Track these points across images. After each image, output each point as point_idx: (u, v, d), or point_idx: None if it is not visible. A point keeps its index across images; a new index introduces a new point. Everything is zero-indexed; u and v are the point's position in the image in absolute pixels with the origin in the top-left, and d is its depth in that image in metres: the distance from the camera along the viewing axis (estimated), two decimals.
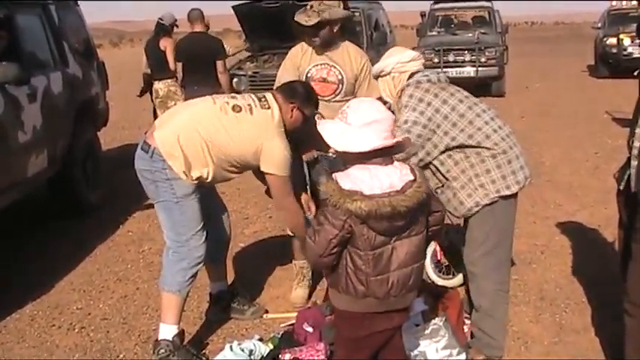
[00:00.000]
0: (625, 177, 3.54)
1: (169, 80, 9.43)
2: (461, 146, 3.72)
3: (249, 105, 4.04)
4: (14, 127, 5.77)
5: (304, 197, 4.61)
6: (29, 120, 6.02)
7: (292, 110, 4.13)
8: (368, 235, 2.81)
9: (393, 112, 3.76)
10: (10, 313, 4.94)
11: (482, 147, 3.71)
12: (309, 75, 4.77)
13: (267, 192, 4.68)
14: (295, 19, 4.71)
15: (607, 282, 4.85)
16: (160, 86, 9.47)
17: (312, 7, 4.66)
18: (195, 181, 3.96)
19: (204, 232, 4.09)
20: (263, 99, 4.11)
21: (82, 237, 6.56)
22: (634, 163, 3.41)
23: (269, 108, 4.06)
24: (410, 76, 3.85)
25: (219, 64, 8.61)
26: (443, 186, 3.81)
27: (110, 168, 8.21)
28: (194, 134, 3.92)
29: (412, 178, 2.85)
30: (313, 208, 4.59)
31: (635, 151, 3.40)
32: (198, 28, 8.91)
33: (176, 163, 3.88)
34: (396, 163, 2.92)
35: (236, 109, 4.00)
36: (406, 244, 2.90)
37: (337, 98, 4.75)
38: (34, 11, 6.90)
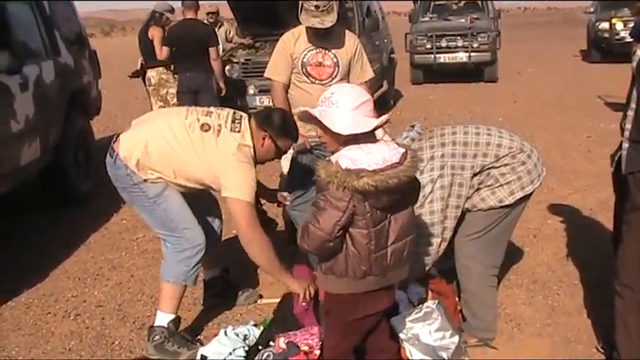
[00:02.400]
0: (616, 159, 3.57)
1: (161, 68, 9.41)
2: (484, 168, 3.73)
3: (219, 125, 3.88)
4: (6, 116, 5.76)
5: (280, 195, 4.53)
6: (21, 109, 6.01)
7: (264, 139, 3.93)
8: (371, 212, 2.85)
9: None
10: (6, 301, 4.96)
11: (501, 156, 3.73)
12: (304, 60, 4.78)
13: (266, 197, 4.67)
14: (307, 24, 4.67)
15: (599, 265, 4.90)
16: (152, 74, 9.48)
17: (318, 7, 4.58)
18: (163, 180, 3.90)
19: (195, 219, 4.05)
20: (237, 121, 3.93)
21: (75, 225, 6.58)
22: (625, 145, 3.44)
23: (239, 132, 3.89)
24: None
25: (211, 50, 8.62)
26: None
27: (103, 157, 8.16)
28: (158, 147, 3.84)
29: (403, 150, 2.90)
30: (288, 196, 4.59)
31: (626, 133, 3.43)
32: (190, 15, 8.90)
33: (136, 171, 3.84)
34: (381, 140, 2.96)
35: (204, 127, 3.85)
36: (400, 217, 2.96)
37: (334, 81, 4.78)
38: (25, 1, 6.87)
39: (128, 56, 11.09)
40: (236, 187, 3.77)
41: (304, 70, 4.83)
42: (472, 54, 15.89)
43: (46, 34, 7.10)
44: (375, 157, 2.82)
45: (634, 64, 3.43)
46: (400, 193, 2.87)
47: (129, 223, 6.63)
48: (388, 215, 2.92)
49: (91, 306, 4.85)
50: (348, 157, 2.82)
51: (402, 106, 13.36)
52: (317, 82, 4.83)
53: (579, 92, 14.06)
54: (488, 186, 3.77)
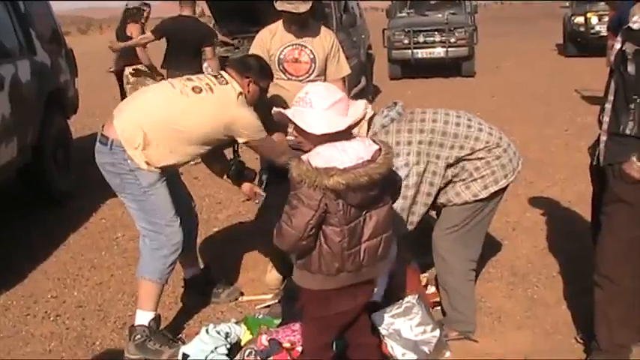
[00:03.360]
0: (596, 152, 3.60)
1: (139, 65, 9.36)
2: (459, 160, 3.75)
3: (207, 84, 4.00)
4: None
5: (247, 186, 4.54)
6: None
7: (248, 85, 4.10)
8: (344, 209, 2.86)
9: None
10: None
11: (477, 149, 3.74)
12: (281, 57, 4.80)
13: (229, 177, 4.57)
14: (280, 8, 4.68)
15: (577, 256, 4.94)
16: (129, 71, 9.41)
17: None
18: (159, 169, 3.92)
19: (178, 217, 4.06)
20: (219, 76, 4.09)
21: (54, 225, 6.53)
22: (603, 138, 3.47)
23: (227, 83, 4.04)
24: (369, 122, 3.83)
25: (208, 50, 8.47)
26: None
27: (81, 156, 8.11)
28: (158, 121, 3.87)
29: (378, 147, 2.91)
30: (259, 190, 4.62)
31: (604, 126, 3.46)
32: (187, 12, 8.77)
33: (137, 154, 3.83)
34: (357, 137, 2.97)
35: (196, 90, 3.95)
36: (375, 214, 2.97)
37: (311, 77, 4.82)
38: None
39: (105, 54, 10.97)
40: (252, 131, 4.04)
41: (281, 66, 4.84)
42: (449, 49, 15.93)
43: (22, 33, 7.02)
44: (349, 155, 2.83)
45: (611, 57, 3.45)
46: (375, 190, 2.88)
47: (108, 222, 6.60)
48: (363, 212, 2.93)
49: (71, 306, 4.82)
50: (321, 156, 2.84)
51: (380, 101, 13.37)
52: (294, 78, 4.85)
53: (556, 86, 14.14)
54: (463, 180, 3.79)
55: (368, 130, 3.81)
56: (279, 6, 4.72)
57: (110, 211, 6.81)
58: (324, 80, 4.87)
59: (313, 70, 4.85)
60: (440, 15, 16.92)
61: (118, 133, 3.87)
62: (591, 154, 3.72)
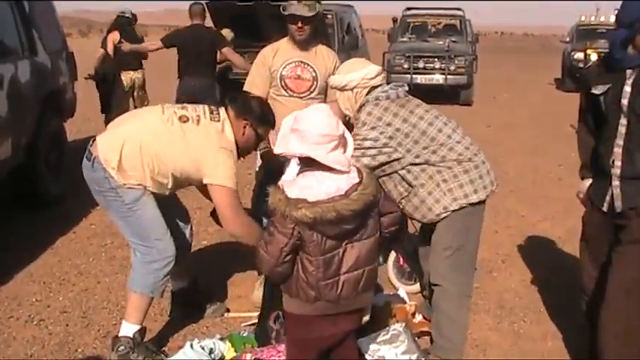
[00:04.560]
0: (607, 198, 3.61)
1: (132, 71, 9.50)
2: (426, 162, 3.76)
3: (197, 116, 3.92)
4: None
5: None
6: None
7: (244, 127, 3.99)
8: (317, 240, 2.89)
9: (351, 126, 3.83)
10: None
11: (448, 159, 3.76)
12: (283, 73, 4.82)
13: (213, 214, 4.28)
14: (290, 11, 4.72)
15: (565, 293, 4.95)
16: (124, 77, 9.61)
17: (300, 1, 4.68)
18: (141, 187, 3.86)
19: (168, 230, 4.02)
20: (215, 112, 3.99)
21: (43, 228, 6.47)
22: (616, 183, 3.51)
23: (218, 121, 3.94)
24: (369, 91, 3.86)
25: (225, 51, 8.53)
26: (409, 194, 3.84)
27: (75, 159, 8.07)
28: (136, 145, 3.80)
29: (357, 181, 2.90)
30: None
31: (616, 171, 3.49)
32: (197, 20, 8.82)
33: (115, 173, 3.79)
34: (345, 170, 2.96)
35: (183, 119, 3.88)
36: (357, 247, 2.98)
37: (312, 95, 4.85)
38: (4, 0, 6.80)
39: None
40: (219, 173, 3.80)
41: (282, 82, 4.85)
42: (449, 76, 16.03)
43: (24, 34, 7.01)
44: (327, 187, 2.85)
45: (624, 100, 3.47)
46: (351, 223, 2.89)
47: (98, 228, 6.56)
48: (343, 244, 2.94)
49: (56, 311, 4.77)
50: (296, 185, 2.89)
51: None
52: (295, 95, 4.86)
53: (552, 120, 14.21)
54: (430, 193, 3.78)
55: (367, 94, 3.82)
56: (286, 11, 4.75)
57: (100, 217, 6.75)
58: (324, 100, 4.88)
59: (315, 88, 4.87)
60: (441, 42, 17.03)
61: (99, 150, 3.85)
62: (593, 200, 3.74)
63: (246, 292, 5.05)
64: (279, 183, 2.96)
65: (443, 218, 3.81)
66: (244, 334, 4.21)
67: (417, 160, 3.74)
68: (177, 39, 8.81)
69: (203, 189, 4.10)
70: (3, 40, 6.61)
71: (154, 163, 3.83)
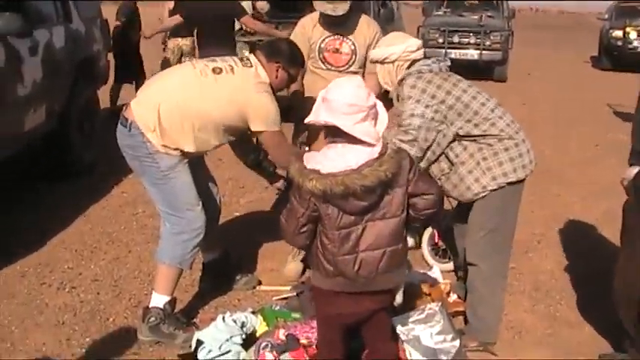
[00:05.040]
0: None
1: (179, 38, 9.48)
2: (468, 135, 3.69)
3: (230, 66, 3.88)
4: (14, 79, 5.65)
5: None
6: (29, 73, 5.90)
7: (277, 70, 3.98)
8: (333, 214, 2.85)
9: (391, 100, 3.75)
10: (0, 268, 4.87)
11: (489, 134, 3.69)
12: (322, 46, 4.72)
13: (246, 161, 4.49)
14: (319, 9, 4.61)
15: (601, 277, 4.80)
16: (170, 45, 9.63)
17: None
18: (179, 152, 3.83)
19: (200, 201, 3.98)
20: (245, 59, 3.98)
21: (75, 196, 6.46)
22: None
23: (251, 66, 3.92)
24: (410, 64, 3.78)
25: (245, 20, 8.31)
26: (450, 172, 3.77)
27: (107, 127, 8.07)
28: (173, 104, 3.76)
29: (376, 156, 2.82)
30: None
31: None
32: None
33: (154, 137, 3.74)
34: (373, 143, 2.88)
35: (216, 70, 3.84)
36: (378, 225, 2.91)
37: (351, 69, 4.73)
38: None
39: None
40: (265, 119, 3.84)
41: (321, 56, 4.75)
42: (484, 52, 15.81)
43: (59, 0, 6.97)
44: (347, 160, 2.80)
45: None
46: (366, 199, 2.82)
47: (129, 196, 6.54)
48: (363, 220, 2.88)
49: (87, 279, 4.77)
50: (315, 157, 2.87)
51: None
52: (333, 68, 4.76)
53: (588, 99, 13.96)
54: (470, 172, 3.72)
55: (408, 68, 3.76)
56: (317, 6, 4.63)
57: (132, 186, 6.72)
58: (364, 72, 4.78)
59: (354, 62, 4.75)
60: (476, 16, 16.77)
61: (134, 115, 3.80)
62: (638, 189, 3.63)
63: (278, 266, 5.01)
64: (302, 154, 2.93)
65: (481, 198, 3.72)
66: (276, 308, 4.17)
67: (460, 132, 3.67)
68: (192, 10, 8.63)
69: (236, 143, 4.20)
70: (38, 7, 6.56)
71: (195, 119, 3.79)
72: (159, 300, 3.98)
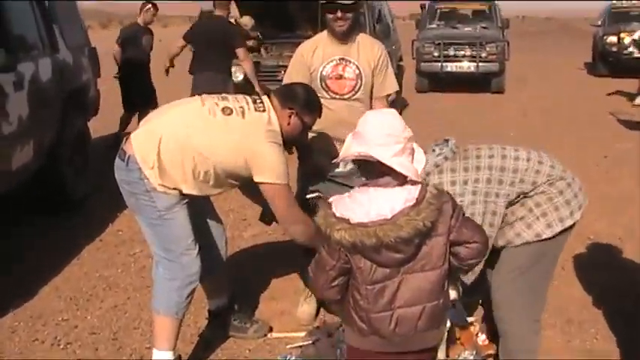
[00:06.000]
0: None
1: None
2: (520, 195, 3.34)
3: (241, 107, 3.58)
4: None
5: None
6: (14, 109, 5.58)
7: (290, 117, 3.66)
8: (365, 266, 2.53)
9: None
10: None
11: (539, 183, 3.33)
12: (323, 73, 4.33)
13: (263, 218, 4.13)
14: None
15: (634, 300, 4.52)
16: None
17: None
18: (177, 192, 3.52)
19: (196, 245, 3.66)
20: (259, 101, 3.66)
21: (68, 235, 6.10)
22: None
23: (264, 111, 3.61)
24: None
25: (239, 51, 7.98)
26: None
27: (99, 158, 7.74)
28: (175, 141, 3.47)
29: (413, 203, 2.49)
30: None
31: None
32: (220, 12, 8.36)
33: (152, 174, 3.44)
34: (408, 184, 2.55)
35: (226, 111, 3.54)
36: (416, 278, 2.57)
37: (357, 95, 4.36)
38: None
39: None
40: (272, 171, 3.51)
41: (323, 84, 4.36)
42: (480, 64, 15.59)
43: (45, 29, 6.65)
44: (379, 207, 2.48)
45: None
46: (402, 252, 2.51)
47: (125, 234, 6.18)
48: (399, 273, 2.55)
49: (84, 332, 4.40)
50: (347, 202, 2.56)
51: (408, 115, 12.91)
52: (338, 97, 4.37)
53: (589, 107, 13.70)
54: (521, 218, 3.36)
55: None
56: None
57: (128, 222, 6.36)
58: (370, 99, 4.45)
59: (359, 88, 4.38)
60: (471, 28, 16.56)
61: (134, 149, 3.49)
62: None
63: (289, 307, 4.67)
64: (331, 199, 2.61)
65: (526, 243, 3.38)
66: (291, 359, 3.83)
67: (512, 198, 3.32)
68: (190, 32, 8.36)
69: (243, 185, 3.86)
70: (23, 37, 6.24)
71: (196, 160, 3.48)
72: (161, 357, 3.65)
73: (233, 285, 4.49)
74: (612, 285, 4.99)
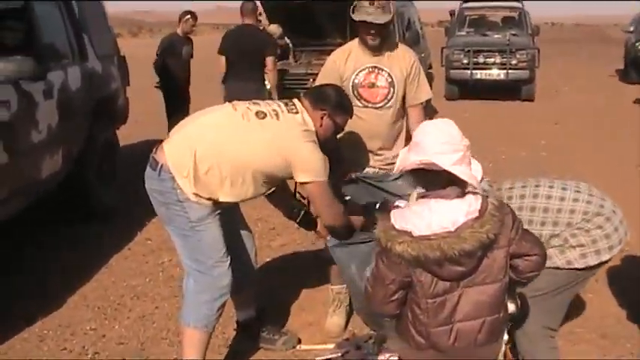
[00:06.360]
0: None
1: None
2: (552, 236, 3.25)
3: (274, 110, 3.55)
4: (28, 125, 5.35)
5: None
6: (44, 118, 5.60)
7: (322, 118, 3.63)
8: (426, 280, 2.49)
9: None
10: (18, 331, 4.49)
11: (574, 224, 3.23)
12: (355, 81, 4.27)
13: (300, 223, 4.12)
14: (360, 17, 4.16)
15: None
16: None
17: (373, 3, 4.13)
18: (211, 202, 3.48)
19: (228, 257, 3.62)
20: (290, 104, 3.64)
21: (96, 245, 6.10)
22: None
23: (297, 112, 3.59)
24: None
25: (269, 60, 8.01)
26: None
27: (127, 167, 7.74)
28: (211, 148, 3.43)
29: (476, 215, 2.43)
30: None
31: None
32: (248, 21, 8.36)
33: (186, 183, 3.40)
34: (469, 195, 2.49)
35: (260, 115, 3.50)
36: (476, 292, 2.53)
37: (390, 104, 4.28)
38: (53, 1, 6.44)
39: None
40: (311, 169, 3.51)
41: (355, 92, 4.30)
42: (510, 71, 15.41)
43: (74, 38, 6.67)
44: (440, 219, 2.44)
45: None
46: (464, 265, 2.46)
47: (154, 244, 6.16)
48: (459, 286, 2.50)
49: (111, 342, 4.38)
50: (408, 214, 2.52)
51: None
52: (370, 105, 4.30)
53: (621, 115, 13.48)
54: (556, 246, 3.26)
55: None
56: (356, 16, 4.19)
57: (156, 231, 6.34)
58: (404, 108, 4.38)
59: (392, 96, 4.31)
60: (500, 35, 16.39)
61: (167, 157, 3.44)
62: None
63: (318, 319, 4.61)
64: (392, 212, 2.56)
65: (556, 268, 3.28)
66: None
67: (543, 240, 3.16)
68: (227, 42, 8.34)
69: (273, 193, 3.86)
70: (52, 46, 6.25)
71: (234, 166, 3.46)
72: None
73: (262, 296, 4.44)
74: None
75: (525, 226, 3.11)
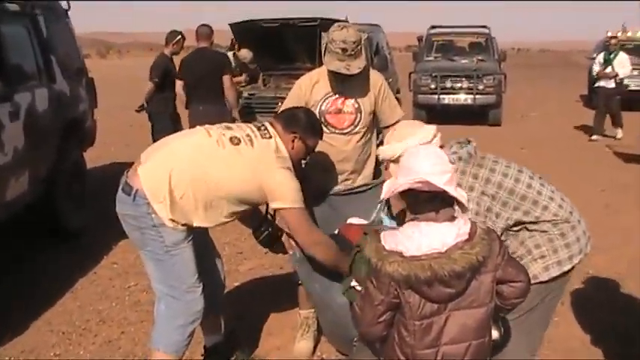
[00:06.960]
0: None
1: None
2: (519, 223, 3.25)
3: (247, 136, 3.55)
4: None
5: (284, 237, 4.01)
6: (10, 140, 5.55)
7: (293, 141, 3.66)
8: (415, 301, 2.48)
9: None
10: None
11: (542, 220, 3.24)
12: (322, 108, 4.27)
13: (263, 241, 4.06)
14: (330, 68, 4.17)
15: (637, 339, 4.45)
16: None
17: (345, 50, 4.08)
18: (186, 227, 3.46)
19: (201, 283, 3.60)
20: (263, 128, 3.65)
21: (62, 267, 6.03)
22: None
23: (270, 137, 3.60)
24: None
25: (225, 78, 8.04)
26: None
27: (94, 189, 7.70)
28: (188, 174, 3.42)
29: (466, 238, 2.46)
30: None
31: None
32: (204, 44, 8.39)
33: (162, 209, 3.37)
34: (459, 219, 2.52)
35: (234, 141, 3.51)
36: (463, 315, 2.53)
37: (357, 129, 4.30)
38: (20, 22, 6.41)
39: (125, 79, 10.53)
40: (287, 195, 3.52)
41: (322, 118, 4.28)
42: (477, 96, 15.63)
43: (42, 59, 6.63)
44: (430, 241, 2.44)
45: None
46: (453, 287, 2.46)
47: (120, 267, 6.10)
48: (447, 309, 2.50)
49: None
50: (394, 236, 2.52)
51: None
52: (337, 131, 4.31)
53: (585, 139, 13.73)
54: (520, 258, 3.29)
55: None
56: (328, 64, 4.18)
57: (122, 255, 6.31)
58: (370, 131, 4.40)
59: (359, 121, 4.32)
60: (468, 61, 16.63)
61: (142, 182, 3.42)
62: None
63: (286, 343, 4.59)
64: (382, 233, 2.56)
65: None
66: None
67: (510, 223, 3.23)
68: (185, 67, 8.32)
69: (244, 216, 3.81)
70: (19, 67, 6.23)
71: (210, 192, 3.45)
72: None
73: (230, 321, 4.41)
74: (613, 323, 4.92)
75: (499, 207, 3.19)
